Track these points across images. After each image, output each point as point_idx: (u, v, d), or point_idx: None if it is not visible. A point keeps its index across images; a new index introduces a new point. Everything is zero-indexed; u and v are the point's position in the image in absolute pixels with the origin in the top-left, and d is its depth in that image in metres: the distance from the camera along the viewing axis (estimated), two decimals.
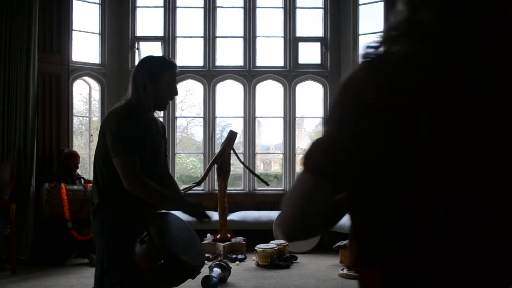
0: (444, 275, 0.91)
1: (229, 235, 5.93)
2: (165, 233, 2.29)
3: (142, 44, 7.08)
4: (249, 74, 7.10)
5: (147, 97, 2.39)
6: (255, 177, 6.73)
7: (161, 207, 2.45)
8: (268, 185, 6.46)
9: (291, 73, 7.10)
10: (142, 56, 7.43)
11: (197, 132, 11.00)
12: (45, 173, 6.01)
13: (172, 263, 2.20)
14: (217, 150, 6.44)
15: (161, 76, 2.42)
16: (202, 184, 6.49)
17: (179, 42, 7.14)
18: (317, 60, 7.16)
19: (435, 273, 0.91)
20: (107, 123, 2.36)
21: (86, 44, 6.88)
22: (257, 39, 7.17)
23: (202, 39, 7.12)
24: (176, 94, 2.51)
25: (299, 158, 7.19)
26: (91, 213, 2.45)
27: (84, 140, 9.81)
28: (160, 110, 2.54)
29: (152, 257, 2.19)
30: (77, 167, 6.00)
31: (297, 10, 7.18)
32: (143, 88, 2.39)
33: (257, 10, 7.17)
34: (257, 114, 7.23)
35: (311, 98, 7.92)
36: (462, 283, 0.92)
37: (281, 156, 7.47)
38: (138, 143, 2.34)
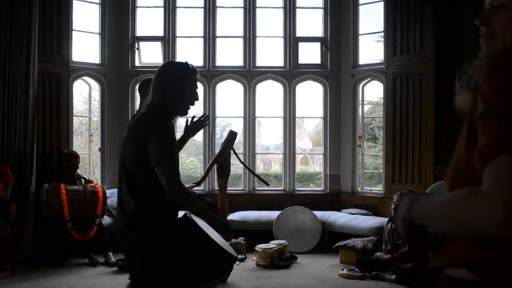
0: None
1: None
2: (205, 229, 2.37)
3: (142, 44, 7.08)
4: (249, 74, 7.10)
5: (174, 102, 2.42)
6: (255, 177, 6.72)
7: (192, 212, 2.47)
8: (268, 185, 6.46)
9: (291, 73, 7.10)
10: (142, 56, 7.44)
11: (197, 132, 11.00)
12: (45, 173, 6.00)
13: (219, 255, 2.32)
14: (217, 150, 6.43)
15: (186, 81, 2.46)
16: (202, 184, 6.48)
17: (179, 42, 7.14)
18: (317, 60, 7.16)
19: None
20: (145, 130, 2.33)
21: (86, 44, 6.88)
22: (257, 39, 7.16)
23: (202, 39, 7.12)
24: (197, 99, 2.55)
25: (299, 158, 7.20)
26: (123, 221, 2.38)
27: (84, 140, 9.82)
28: (182, 115, 2.57)
29: (198, 252, 2.31)
30: (77, 167, 6.00)
31: (297, 10, 7.18)
32: (171, 93, 2.41)
33: (257, 10, 7.17)
34: (257, 114, 7.22)
35: (311, 98, 7.93)
36: None
37: (281, 156, 7.47)
38: (176, 150, 2.39)
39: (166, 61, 6.95)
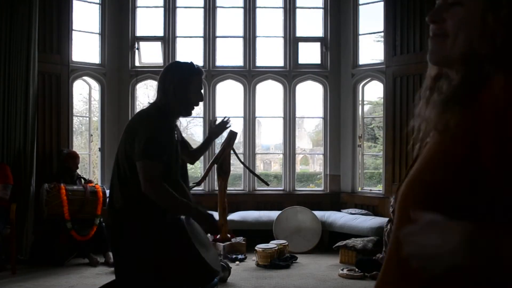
0: None
1: (229, 235, 5.93)
2: (192, 235, 2.37)
3: (142, 44, 7.07)
4: (249, 74, 7.10)
5: (176, 102, 2.42)
6: (255, 177, 6.73)
7: (176, 213, 2.45)
8: (268, 185, 6.46)
9: (291, 73, 7.10)
10: (142, 56, 7.43)
11: (197, 132, 11.03)
12: (45, 173, 6.00)
13: (197, 264, 2.31)
14: (217, 150, 6.44)
15: (190, 82, 2.45)
16: (202, 184, 6.49)
17: (179, 42, 7.13)
18: (317, 60, 7.16)
19: None
20: (139, 125, 2.36)
21: (86, 44, 6.88)
22: (257, 39, 7.16)
23: (202, 39, 7.12)
24: (202, 100, 2.54)
25: (299, 158, 7.20)
26: (111, 216, 2.40)
27: (84, 140, 9.82)
28: (185, 116, 2.56)
29: (179, 258, 2.31)
30: (77, 167, 6.00)
31: (297, 10, 7.18)
32: (172, 93, 2.41)
33: (257, 10, 7.16)
34: (257, 114, 7.22)
35: (311, 98, 7.93)
36: None
37: (281, 156, 7.47)
38: (166, 150, 2.37)
39: (167, 61, 6.96)
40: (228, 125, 3.31)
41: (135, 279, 2.33)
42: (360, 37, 6.98)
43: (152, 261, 2.30)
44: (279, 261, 5.42)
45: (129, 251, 2.34)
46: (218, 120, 3.47)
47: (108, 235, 2.51)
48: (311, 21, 7.47)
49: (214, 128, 3.22)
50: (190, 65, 2.50)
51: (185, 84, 2.43)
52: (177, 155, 2.53)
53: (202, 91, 2.55)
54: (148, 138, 2.29)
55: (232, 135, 5.92)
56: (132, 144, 2.33)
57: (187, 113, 2.53)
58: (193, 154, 3.08)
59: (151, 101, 2.53)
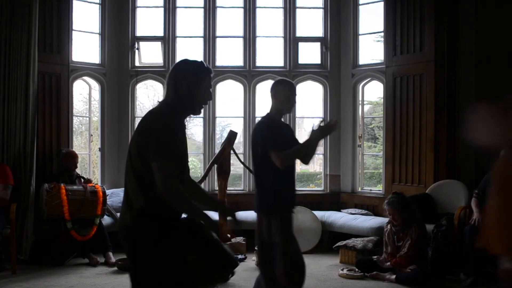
0: None
1: (229, 235, 5.93)
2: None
3: (142, 44, 7.07)
4: (249, 74, 7.10)
5: (187, 100, 2.42)
6: None
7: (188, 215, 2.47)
8: None
9: (291, 73, 7.10)
10: (142, 56, 7.42)
11: (197, 132, 10.99)
12: (45, 173, 6.01)
13: (223, 256, 2.36)
14: (217, 150, 6.44)
15: (202, 80, 2.45)
16: (202, 184, 6.48)
17: (179, 42, 7.13)
18: (317, 60, 7.16)
19: None
20: (153, 125, 2.33)
21: (86, 44, 6.88)
22: (257, 39, 7.16)
23: (202, 39, 7.12)
24: (211, 98, 2.53)
25: None
26: (131, 216, 2.36)
27: (84, 140, 9.82)
28: (194, 114, 2.54)
29: (202, 251, 2.33)
30: (76, 167, 6.01)
31: (297, 10, 7.18)
32: (185, 90, 2.41)
33: (257, 10, 7.17)
34: (257, 114, 7.21)
35: (311, 98, 7.92)
36: None
37: None
38: (180, 149, 2.37)
39: (167, 61, 6.97)
40: (334, 128, 3.28)
41: (166, 279, 2.30)
42: (360, 37, 6.99)
43: (182, 258, 2.30)
44: None
45: (157, 251, 2.31)
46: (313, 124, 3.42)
47: (124, 236, 2.42)
48: (311, 21, 7.46)
49: (315, 131, 3.20)
50: (201, 63, 2.50)
51: (197, 82, 2.43)
52: (187, 152, 2.51)
53: (211, 89, 2.54)
54: (163, 137, 2.28)
55: (232, 135, 5.91)
56: (146, 144, 2.31)
57: (197, 111, 2.52)
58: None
59: (160, 100, 2.51)
